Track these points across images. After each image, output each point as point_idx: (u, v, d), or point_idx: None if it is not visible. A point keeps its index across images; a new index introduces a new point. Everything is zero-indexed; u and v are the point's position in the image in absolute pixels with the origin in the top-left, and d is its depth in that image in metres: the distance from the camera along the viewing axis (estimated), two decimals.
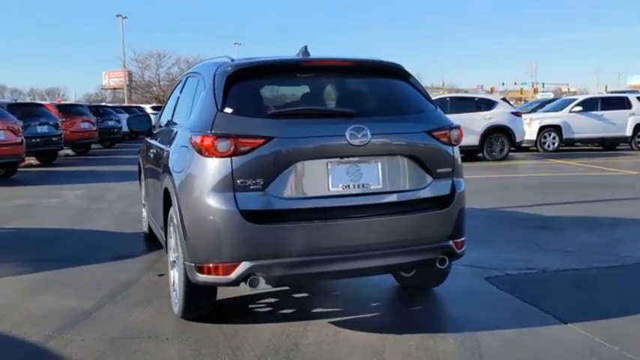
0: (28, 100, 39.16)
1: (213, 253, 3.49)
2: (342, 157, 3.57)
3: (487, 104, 15.79)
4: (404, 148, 3.72)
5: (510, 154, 16.47)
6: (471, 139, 15.28)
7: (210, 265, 3.49)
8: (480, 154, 15.52)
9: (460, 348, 3.53)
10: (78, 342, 3.70)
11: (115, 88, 65.29)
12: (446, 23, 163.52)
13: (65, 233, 7.07)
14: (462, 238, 3.95)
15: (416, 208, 3.73)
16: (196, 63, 5.49)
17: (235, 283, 3.49)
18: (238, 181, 3.42)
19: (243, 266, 3.42)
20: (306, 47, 4.20)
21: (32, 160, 17.18)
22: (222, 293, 4.22)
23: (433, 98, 16.30)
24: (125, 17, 47.52)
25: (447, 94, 18.75)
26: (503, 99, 16.65)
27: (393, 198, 3.68)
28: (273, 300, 4.45)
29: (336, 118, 3.66)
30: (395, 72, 4.12)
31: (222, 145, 3.43)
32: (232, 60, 4.02)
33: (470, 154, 15.88)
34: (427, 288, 4.57)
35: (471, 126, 15.28)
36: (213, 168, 3.46)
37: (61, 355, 3.53)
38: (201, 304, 3.93)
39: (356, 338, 3.70)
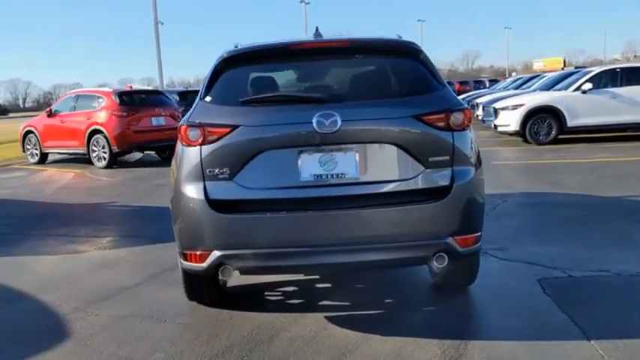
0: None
1: (190, 241, 3.54)
2: (316, 146, 3.37)
3: None
4: (384, 134, 3.37)
5: None
6: None
7: (190, 252, 3.55)
8: None
9: (438, 358, 3.17)
10: (92, 317, 4.03)
11: None
12: None
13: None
14: (472, 235, 3.49)
15: (402, 200, 3.38)
16: None
17: (208, 271, 3.50)
18: (207, 171, 3.42)
19: (213, 255, 3.42)
20: (317, 29, 4.03)
21: None
22: (244, 278, 4.28)
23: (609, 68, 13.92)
24: (308, 3, 49.04)
25: (617, 65, 16.52)
26: None
27: (372, 189, 3.38)
28: (291, 289, 4.39)
29: (305, 104, 3.44)
30: (401, 50, 3.74)
31: (193, 135, 3.46)
32: (236, 46, 3.99)
33: None
34: (459, 286, 4.15)
35: None
36: (188, 157, 3.50)
37: (68, 327, 3.87)
38: (201, 290, 4.01)
39: (336, 336, 3.51)
